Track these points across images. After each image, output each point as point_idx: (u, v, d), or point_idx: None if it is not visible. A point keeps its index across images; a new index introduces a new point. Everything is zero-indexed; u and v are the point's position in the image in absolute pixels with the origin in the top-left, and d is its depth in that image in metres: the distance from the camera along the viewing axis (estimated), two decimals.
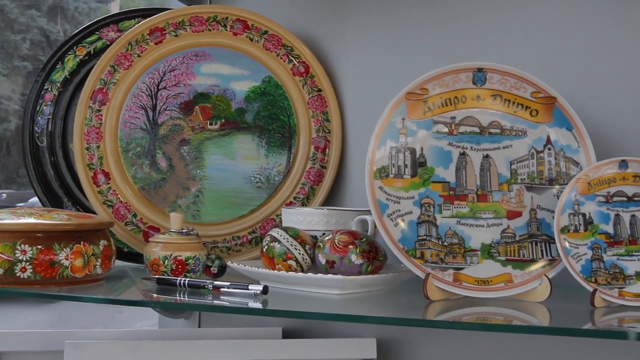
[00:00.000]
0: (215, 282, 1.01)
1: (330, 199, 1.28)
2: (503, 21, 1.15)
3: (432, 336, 1.19)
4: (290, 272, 1.03)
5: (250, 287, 0.98)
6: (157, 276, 1.06)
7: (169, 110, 1.27)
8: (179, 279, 1.03)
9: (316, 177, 1.27)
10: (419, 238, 0.99)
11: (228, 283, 1.00)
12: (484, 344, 1.15)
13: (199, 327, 1.40)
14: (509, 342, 1.13)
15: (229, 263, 1.11)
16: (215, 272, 1.11)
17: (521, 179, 1.02)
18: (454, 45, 1.19)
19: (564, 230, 0.97)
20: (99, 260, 1.06)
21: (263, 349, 1.19)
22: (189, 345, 1.18)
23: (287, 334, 1.26)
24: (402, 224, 0.99)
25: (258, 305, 0.97)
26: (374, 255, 1.02)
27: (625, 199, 0.98)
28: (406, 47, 1.23)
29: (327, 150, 1.27)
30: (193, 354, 1.18)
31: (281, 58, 1.28)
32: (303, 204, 1.26)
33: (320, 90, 1.28)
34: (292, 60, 1.28)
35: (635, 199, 0.98)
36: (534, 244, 1.00)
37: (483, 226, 1.01)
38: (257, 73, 1.28)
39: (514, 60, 1.06)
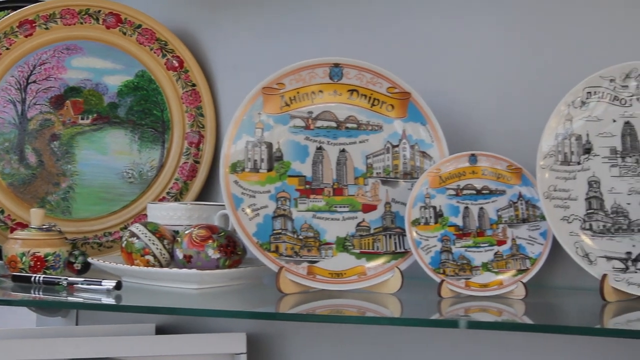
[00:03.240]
0: (70, 279, 1.00)
1: (205, 194, 1.27)
2: (365, 15, 1.16)
3: (301, 329, 1.19)
4: (148, 267, 1.03)
5: (103, 282, 0.97)
6: (12, 273, 1.04)
7: (39, 104, 1.25)
8: (34, 275, 1.01)
9: (190, 172, 1.26)
10: (274, 232, 1.00)
11: (82, 279, 0.99)
12: (351, 336, 1.17)
13: (77, 324, 1.38)
14: (374, 334, 1.15)
15: (89, 259, 1.10)
16: (79, 268, 1.10)
17: (377, 173, 1.03)
18: (328, 38, 1.20)
19: (414, 222, 0.99)
20: None
21: (136, 345, 1.18)
22: (62, 343, 1.16)
23: (161, 330, 1.25)
24: (252, 216, 0.99)
25: (111, 300, 0.96)
26: (232, 250, 1.03)
27: (474, 192, 1.01)
28: (280, 41, 1.24)
29: (201, 145, 1.27)
30: (67, 352, 1.16)
31: (155, 52, 1.27)
32: (176, 199, 1.25)
33: (194, 85, 1.27)
34: (166, 54, 1.27)
35: (484, 192, 1.01)
36: (388, 236, 1.02)
37: (338, 219, 1.02)
38: (130, 67, 1.27)
39: (372, 56, 1.07)
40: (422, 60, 1.11)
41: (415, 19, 1.13)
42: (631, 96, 0.99)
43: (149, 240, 1.04)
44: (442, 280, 0.97)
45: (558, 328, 0.89)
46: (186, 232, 1.03)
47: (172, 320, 1.26)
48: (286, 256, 0.99)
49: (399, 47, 1.13)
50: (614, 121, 0.99)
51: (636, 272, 0.96)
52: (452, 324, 0.87)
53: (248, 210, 0.99)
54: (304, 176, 1.02)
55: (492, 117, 1.07)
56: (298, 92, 1.03)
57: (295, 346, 1.20)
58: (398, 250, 1.02)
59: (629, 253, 0.97)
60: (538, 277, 0.99)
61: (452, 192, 1.01)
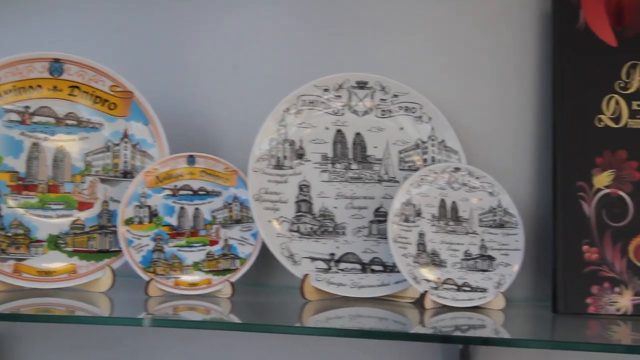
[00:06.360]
0: None
1: None
2: (113, 12, 1.16)
3: (31, 329, 1.16)
4: None
5: None
6: None
7: None
8: None
9: None
10: None
11: None
12: (82, 335, 1.15)
13: None
14: (107, 334, 1.15)
15: None
16: None
17: (95, 171, 1.03)
18: (60, 29, 1.18)
19: (128, 221, 1.00)
20: None
21: None
22: None
23: None
24: None
25: None
26: None
27: (191, 192, 1.03)
28: (17, 29, 1.21)
29: None
30: None
31: None
32: None
33: None
34: None
35: (200, 192, 1.03)
36: (103, 235, 1.02)
37: (52, 217, 1.01)
38: None
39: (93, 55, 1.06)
40: (152, 60, 1.13)
41: (160, 15, 1.14)
42: (343, 106, 1.05)
43: None
44: (151, 279, 0.98)
45: (258, 327, 0.92)
46: None
47: None
48: None
49: (133, 43, 1.14)
50: (327, 129, 1.04)
51: (337, 273, 1.01)
52: (136, 322, 0.88)
53: None
54: (17, 172, 1.00)
55: (219, 119, 1.10)
56: (14, 86, 1.00)
57: (26, 346, 1.17)
58: (113, 248, 1.02)
59: (332, 254, 1.02)
60: (250, 277, 1.03)
61: (169, 192, 1.02)
